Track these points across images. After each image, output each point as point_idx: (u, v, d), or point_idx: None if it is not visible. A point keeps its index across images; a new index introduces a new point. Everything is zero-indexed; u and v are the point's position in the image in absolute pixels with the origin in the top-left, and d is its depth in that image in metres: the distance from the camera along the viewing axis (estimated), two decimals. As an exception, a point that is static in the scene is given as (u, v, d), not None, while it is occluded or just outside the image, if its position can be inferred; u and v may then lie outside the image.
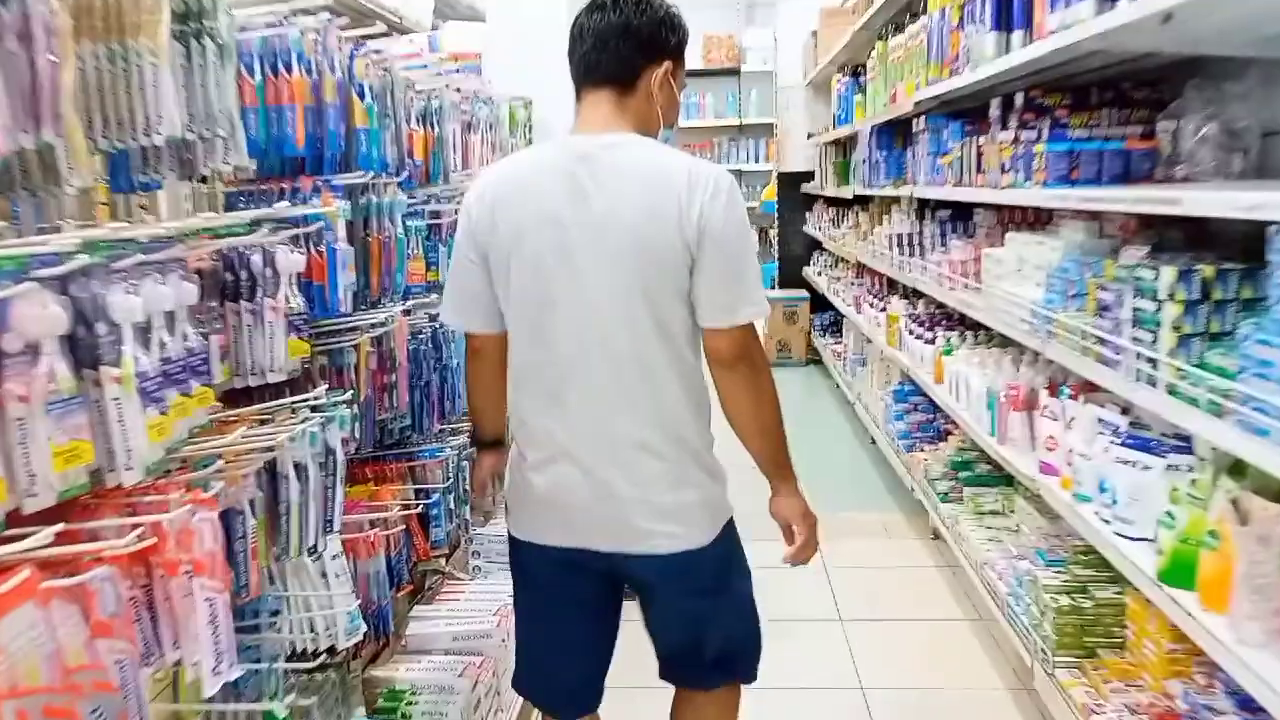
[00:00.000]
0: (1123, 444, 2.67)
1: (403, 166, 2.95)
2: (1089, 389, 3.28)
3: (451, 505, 3.34)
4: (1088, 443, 2.89)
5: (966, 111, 4.73)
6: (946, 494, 4.71)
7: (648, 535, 2.07)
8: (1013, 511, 4.27)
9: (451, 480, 3.25)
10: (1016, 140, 3.43)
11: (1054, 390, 3.49)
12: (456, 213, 2.52)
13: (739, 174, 13.30)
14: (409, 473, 3.17)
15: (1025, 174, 3.27)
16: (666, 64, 2.10)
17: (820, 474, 6.68)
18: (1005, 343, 4.50)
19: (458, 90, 3.74)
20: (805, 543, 2.26)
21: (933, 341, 4.97)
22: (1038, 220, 4.25)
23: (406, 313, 2.92)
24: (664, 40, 2.09)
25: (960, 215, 5.29)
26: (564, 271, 2.00)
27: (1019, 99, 3.77)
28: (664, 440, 2.06)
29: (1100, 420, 2.85)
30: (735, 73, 11.96)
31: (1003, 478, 4.63)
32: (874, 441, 6.76)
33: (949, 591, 4.57)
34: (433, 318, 3.12)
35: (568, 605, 2.24)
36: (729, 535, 2.24)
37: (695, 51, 12.48)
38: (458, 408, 3.27)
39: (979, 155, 3.86)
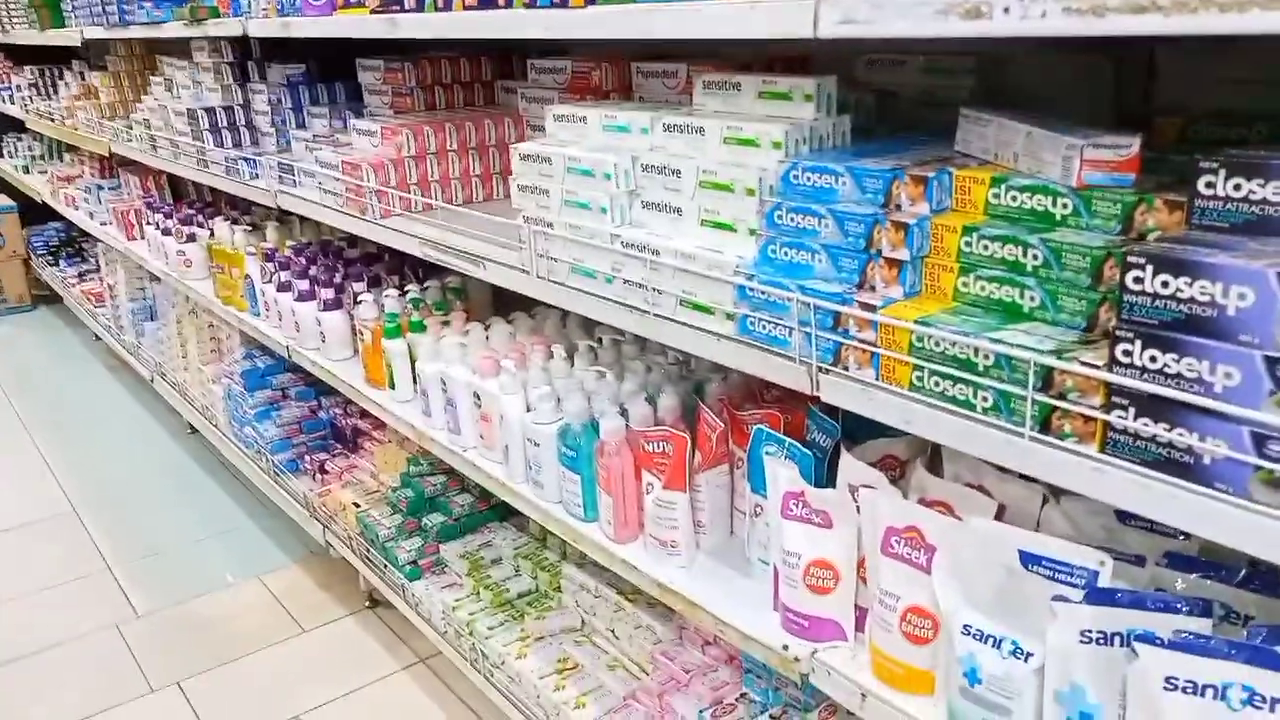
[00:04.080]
0: (1173, 644, 1.06)
1: None
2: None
3: None
4: (1006, 598, 1.23)
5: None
6: (417, 566, 2.74)
7: None
8: (559, 590, 2.51)
9: None
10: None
11: (735, 435, 1.76)
12: None
13: None
14: None
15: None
16: None
17: (124, 502, 4.05)
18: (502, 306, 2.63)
19: None
20: None
21: (337, 305, 2.81)
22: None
23: None
24: None
25: (332, 73, 3.11)
26: None
27: None
28: None
29: (1040, 561, 1.20)
30: None
31: (501, 508, 2.83)
32: (193, 430, 4.35)
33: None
34: None
35: None
36: None
37: None
38: None
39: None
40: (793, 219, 1.41)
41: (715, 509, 1.79)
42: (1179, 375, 0.99)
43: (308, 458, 3.36)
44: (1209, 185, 1.04)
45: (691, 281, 1.53)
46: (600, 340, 2.19)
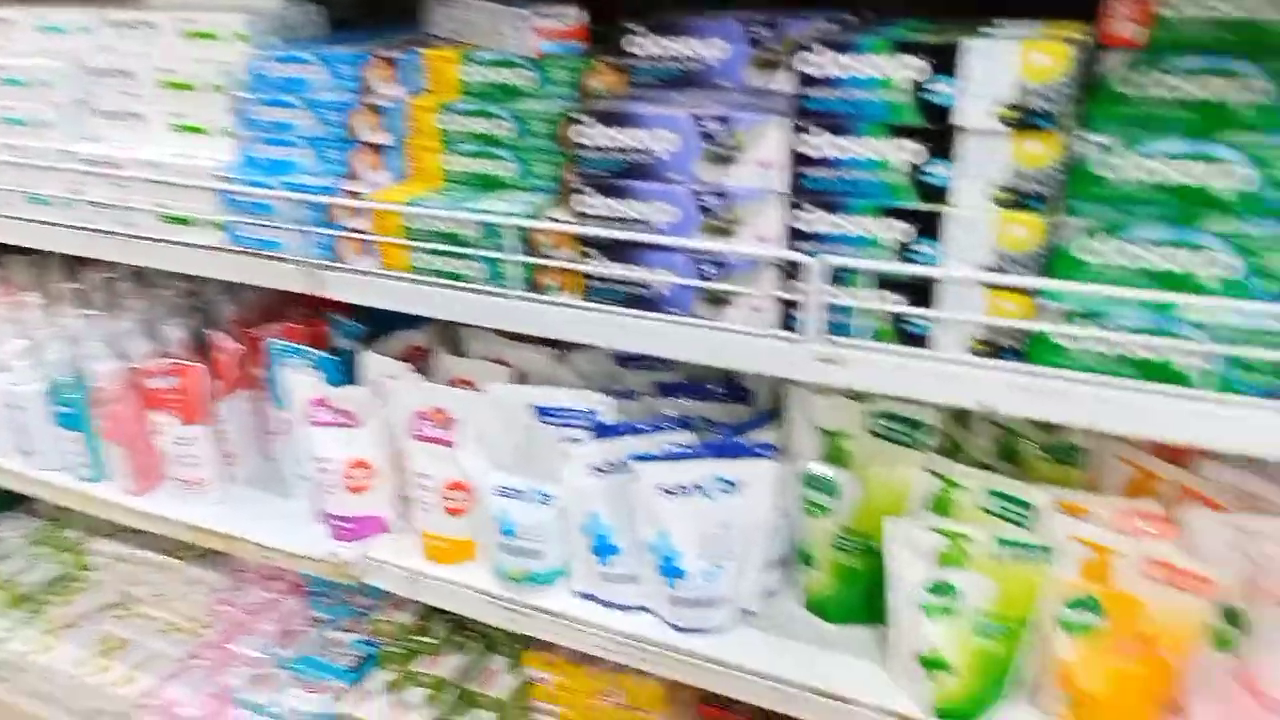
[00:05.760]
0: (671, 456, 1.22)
1: None
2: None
3: None
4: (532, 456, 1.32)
5: None
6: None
7: None
8: (86, 568, 2.24)
9: None
10: None
11: (256, 357, 1.66)
12: None
13: None
14: None
15: None
16: None
17: None
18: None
19: None
20: None
21: None
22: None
23: None
24: None
25: None
26: None
27: None
28: None
29: (552, 413, 1.30)
30: None
31: (5, 496, 2.44)
32: None
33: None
34: None
35: None
36: None
37: None
38: None
39: None
40: (268, 114, 1.34)
41: (245, 436, 1.70)
42: (632, 219, 1.10)
43: None
44: (639, 47, 1.15)
45: (167, 193, 1.40)
46: (89, 281, 1.94)
